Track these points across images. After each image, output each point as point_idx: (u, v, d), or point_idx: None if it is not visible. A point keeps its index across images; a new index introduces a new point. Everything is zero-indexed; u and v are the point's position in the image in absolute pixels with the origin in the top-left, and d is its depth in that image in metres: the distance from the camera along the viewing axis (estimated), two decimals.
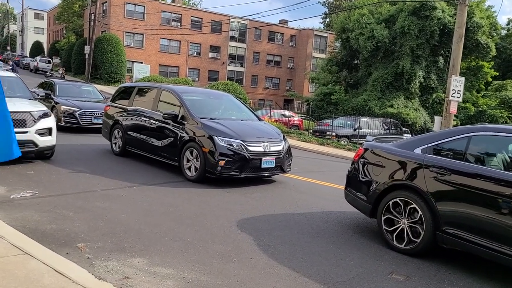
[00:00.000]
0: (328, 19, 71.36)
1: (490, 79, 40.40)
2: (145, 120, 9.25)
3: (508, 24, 51.03)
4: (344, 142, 20.76)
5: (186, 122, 8.33)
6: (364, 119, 23.40)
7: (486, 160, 4.78)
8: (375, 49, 32.69)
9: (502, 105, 34.33)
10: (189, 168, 8.11)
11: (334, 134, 21.93)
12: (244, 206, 6.68)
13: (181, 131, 8.34)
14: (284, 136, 8.98)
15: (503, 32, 47.91)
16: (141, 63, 45.17)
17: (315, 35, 58.03)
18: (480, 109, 34.02)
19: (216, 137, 7.78)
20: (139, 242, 4.74)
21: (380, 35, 32.06)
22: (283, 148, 8.52)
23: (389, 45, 32.67)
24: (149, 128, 9.13)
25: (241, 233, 5.37)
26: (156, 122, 8.95)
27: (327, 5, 72.51)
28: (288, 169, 8.76)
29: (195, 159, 8.01)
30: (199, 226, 5.49)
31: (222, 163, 7.66)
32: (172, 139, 8.50)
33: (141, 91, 10.11)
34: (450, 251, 5.05)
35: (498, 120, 31.36)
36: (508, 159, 4.66)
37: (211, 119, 8.43)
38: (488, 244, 4.40)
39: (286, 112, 31.47)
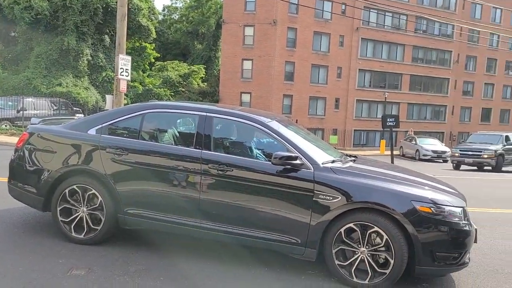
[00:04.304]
0: None
1: (153, 60, 44.07)
2: None
3: (163, 10, 56.96)
4: (6, 126, 18.55)
5: None
6: (28, 99, 21.67)
7: (159, 136, 4.91)
8: (35, 21, 29.59)
9: (165, 84, 38.04)
10: None
11: None
12: None
13: None
14: None
15: (160, 17, 53.09)
16: None
17: None
18: (147, 88, 36.57)
19: None
20: None
21: (40, 7, 29.17)
22: None
23: (51, 18, 30.24)
24: None
25: None
26: None
27: None
28: None
29: None
30: None
31: None
32: None
33: None
34: (135, 231, 5.00)
35: (163, 98, 34.50)
36: (177, 134, 4.95)
37: None
38: (165, 217, 4.54)
39: None
